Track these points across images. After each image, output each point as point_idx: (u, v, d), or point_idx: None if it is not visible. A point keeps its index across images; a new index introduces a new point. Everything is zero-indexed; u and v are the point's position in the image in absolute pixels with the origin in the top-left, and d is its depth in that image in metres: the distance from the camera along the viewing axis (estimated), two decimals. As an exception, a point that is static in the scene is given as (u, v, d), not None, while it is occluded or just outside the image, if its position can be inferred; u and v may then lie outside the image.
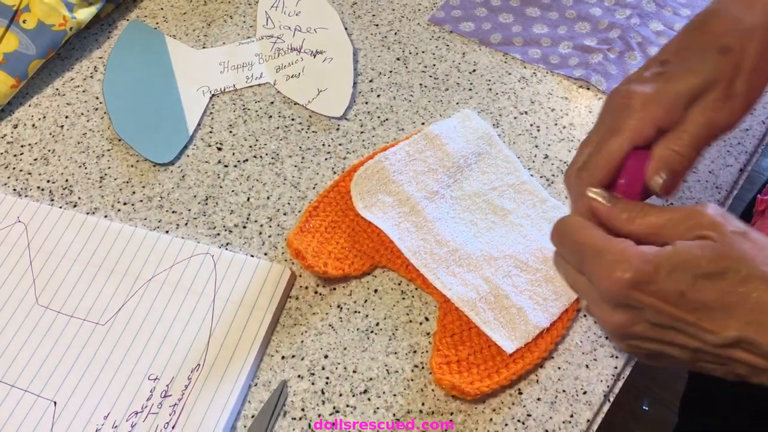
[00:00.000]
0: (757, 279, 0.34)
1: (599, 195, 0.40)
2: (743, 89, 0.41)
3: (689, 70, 0.41)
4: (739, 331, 0.34)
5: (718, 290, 0.35)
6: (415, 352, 0.53)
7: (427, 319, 0.55)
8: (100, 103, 0.68)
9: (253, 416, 0.51)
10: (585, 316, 0.55)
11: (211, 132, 0.66)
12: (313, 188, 0.62)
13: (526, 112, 0.67)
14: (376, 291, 0.56)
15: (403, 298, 0.56)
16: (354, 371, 0.53)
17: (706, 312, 0.35)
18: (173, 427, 0.49)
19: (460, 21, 0.73)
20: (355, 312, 0.55)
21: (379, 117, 0.66)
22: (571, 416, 0.51)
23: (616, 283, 0.36)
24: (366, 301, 0.56)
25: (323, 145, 0.65)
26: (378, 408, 0.51)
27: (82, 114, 0.67)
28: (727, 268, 0.35)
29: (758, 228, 0.58)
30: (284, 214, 0.60)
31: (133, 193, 0.62)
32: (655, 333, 0.37)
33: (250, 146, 0.65)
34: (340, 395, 0.52)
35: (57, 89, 0.69)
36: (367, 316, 0.55)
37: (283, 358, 0.53)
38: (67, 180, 0.63)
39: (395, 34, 0.73)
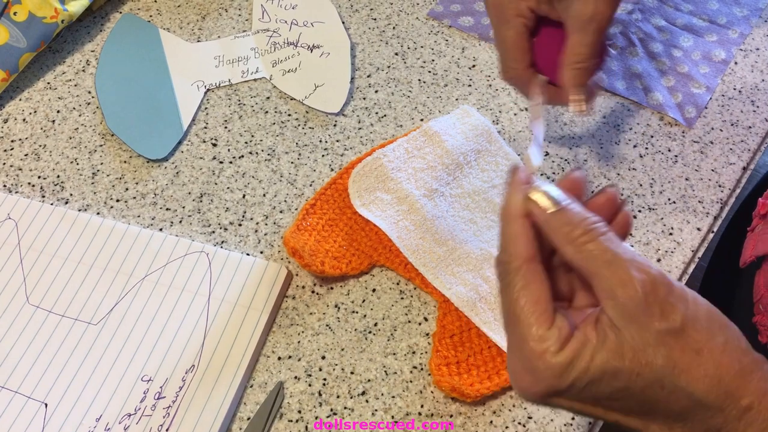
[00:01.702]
0: (679, 390, 0.31)
1: (541, 197, 0.34)
2: None
3: None
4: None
5: (635, 400, 0.32)
6: (414, 352, 0.53)
7: (426, 319, 0.54)
8: (93, 97, 0.67)
9: (248, 419, 0.50)
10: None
11: (205, 127, 0.65)
12: (310, 185, 0.61)
13: (526, 109, 0.66)
14: (374, 290, 0.55)
15: (402, 298, 0.55)
16: (352, 372, 0.52)
17: (627, 415, 0.33)
18: (167, 430, 0.48)
19: (459, 15, 0.72)
20: (353, 312, 0.54)
21: (377, 113, 0.65)
22: (573, 419, 0.50)
23: (528, 392, 0.33)
24: (364, 300, 0.55)
25: (320, 141, 0.64)
26: (376, 410, 0.50)
27: (74, 108, 0.66)
28: (649, 381, 0.31)
29: (759, 232, 0.57)
30: (280, 211, 0.59)
31: (126, 189, 0.61)
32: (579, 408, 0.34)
33: (246, 142, 0.64)
34: (338, 397, 0.51)
35: (48, 83, 0.68)
36: (365, 316, 0.54)
37: (279, 359, 0.52)
38: (58, 176, 0.62)
39: (393, 28, 0.72)
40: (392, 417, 0.50)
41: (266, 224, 0.59)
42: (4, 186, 0.61)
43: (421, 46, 0.70)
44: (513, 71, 0.50)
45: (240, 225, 0.59)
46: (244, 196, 0.60)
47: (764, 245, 0.55)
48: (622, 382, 0.31)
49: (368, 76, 0.68)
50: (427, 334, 0.53)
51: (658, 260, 0.56)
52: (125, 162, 0.62)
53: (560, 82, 0.48)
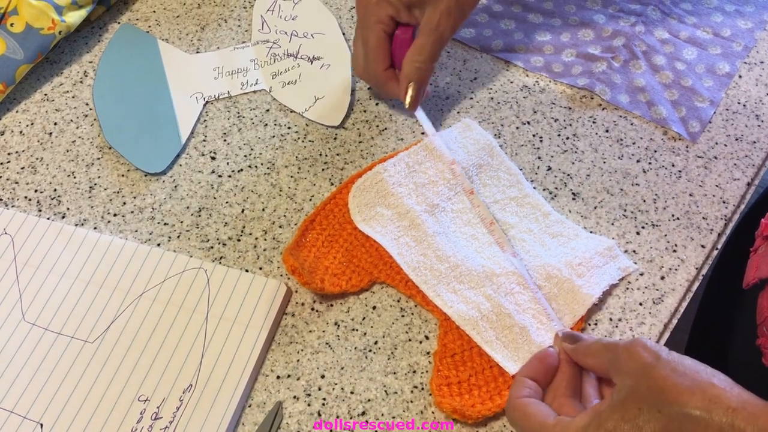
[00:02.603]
0: (673, 410, 0.37)
1: (566, 339, 0.47)
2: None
3: None
4: None
5: None
6: (414, 372, 0.52)
7: (427, 337, 0.53)
8: (90, 109, 0.66)
9: (247, 439, 0.49)
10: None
11: (204, 140, 0.64)
12: (310, 200, 0.60)
13: (528, 122, 0.65)
14: (374, 308, 0.55)
15: (403, 316, 0.54)
16: (352, 392, 0.51)
17: None
18: (164, 451, 0.48)
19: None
20: (353, 330, 0.54)
21: (377, 126, 0.65)
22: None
23: None
24: (364, 318, 0.54)
25: (320, 155, 0.63)
26: (376, 431, 0.49)
27: (72, 121, 0.65)
28: (648, 412, 0.38)
29: (762, 254, 0.56)
30: (280, 226, 0.59)
31: (124, 203, 0.60)
32: None
33: (245, 156, 0.63)
34: (338, 417, 0.50)
35: (45, 95, 0.67)
36: (365, 334, 0.53)
37: (278, 377, 0.52)
38: (55, 190, 0.61)
39: (394, 39, 0.71)
40: (393, 438, 0.49)
41: (265, 239, 0.58)
42: (0, 200, 0.60)
43: (423, 58, 0.69)
44: (373, 71, 0.60)
45: (239, 240, 0.58)
46: (243, 210, 0.60)
47: None
48: (629, 421, 0.38)
49: (369, 89, 0.67)
50: (428, 353, 0.53)
51: (662, 278, 0.56)
52: (123, 176, 0.62)
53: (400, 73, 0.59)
